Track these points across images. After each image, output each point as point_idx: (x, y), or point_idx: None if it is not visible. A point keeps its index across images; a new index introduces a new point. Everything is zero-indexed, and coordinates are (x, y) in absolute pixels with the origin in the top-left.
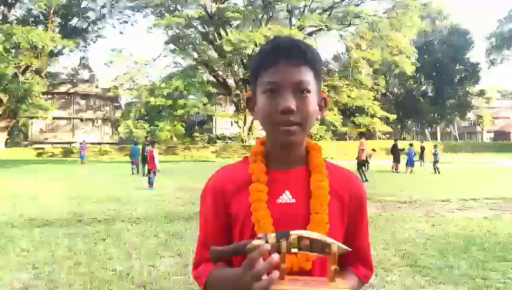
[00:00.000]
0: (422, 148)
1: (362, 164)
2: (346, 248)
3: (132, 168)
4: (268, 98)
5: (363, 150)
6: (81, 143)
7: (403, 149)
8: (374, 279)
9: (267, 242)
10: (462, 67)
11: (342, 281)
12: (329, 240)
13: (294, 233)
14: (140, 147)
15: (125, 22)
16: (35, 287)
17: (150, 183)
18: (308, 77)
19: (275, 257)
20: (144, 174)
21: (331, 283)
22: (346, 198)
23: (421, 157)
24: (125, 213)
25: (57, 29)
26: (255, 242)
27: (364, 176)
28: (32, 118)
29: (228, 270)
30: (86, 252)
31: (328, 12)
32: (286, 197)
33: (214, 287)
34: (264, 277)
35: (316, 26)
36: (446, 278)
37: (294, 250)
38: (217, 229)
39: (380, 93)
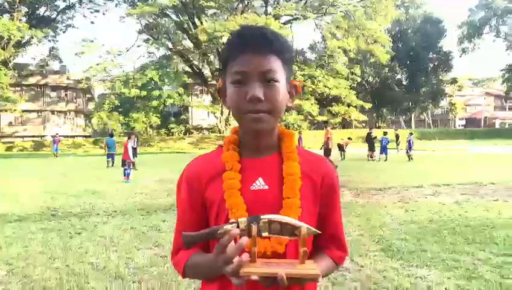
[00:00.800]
0: (397, 136)
1: (329, 153)
2: (316, 230)
3: (108, 160)
4: (236, 88)
5: (329, 138)
6: (53, 136)
7: (376, 137)
8: (349, 263)
9: (238, 227)
10: (435, 55)
11: (312, 262)
12: (299, 223)
13: (265, 217)
14: (115, 139)
15: (97, 11)
16: (9, 283)
17: (126, 175)
18: (275, 65)
19: (244, 240)
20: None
21: (301, 265)
22: (318, 181)
23: (397, 144)
24: (101, 206)
25: (24, 19)
26: (226, 227)
27: (332, 164)
28: (0, 111)
29: (204, 255)
30: (60, 246)
31: (303, 1)
32: (259, 184)
33: (191, 273)
34: (236, 259)
35: (291, 16)
36: (419, 261)
37: (265, 234)
38: (193, 217)
39: (356, 82)
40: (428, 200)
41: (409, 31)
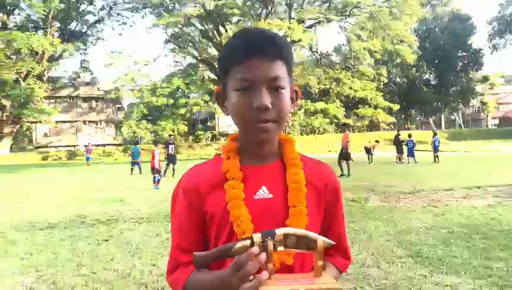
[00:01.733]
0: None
1: (349, 157)
2: (331, 241)
3: (131, 168)
4: (241, 95)
5: (348, 142)
6: (86, 146)
7: (403, 141)
8: (376, 270)
9: (252, 242)
10: (464, 53)
11: (328, 275)
12: (315, 235)
13: (280, 231)
14: (139, 147)
15: (124, 23)
16: None
17: (155, 181)
18: (282, 72)
19: (263, 256)
20: (164, 173)
21: (319, 279)
22: (322, 188)
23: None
24: (128, 213)
25: (57, 34)
26: (241, 243)
27: (348, 170)
28: (35, 122)
29: (209, 274)
30: (88, 253)
31: (327, 4)
32: (263, 193)
33: None
34: (255, 278)
35: (315, 19)
36: (448, 267)
37: (280, 248)
38: (191, 231)
39: (382, 83)
40: (459, 203)
41: (437, 29)
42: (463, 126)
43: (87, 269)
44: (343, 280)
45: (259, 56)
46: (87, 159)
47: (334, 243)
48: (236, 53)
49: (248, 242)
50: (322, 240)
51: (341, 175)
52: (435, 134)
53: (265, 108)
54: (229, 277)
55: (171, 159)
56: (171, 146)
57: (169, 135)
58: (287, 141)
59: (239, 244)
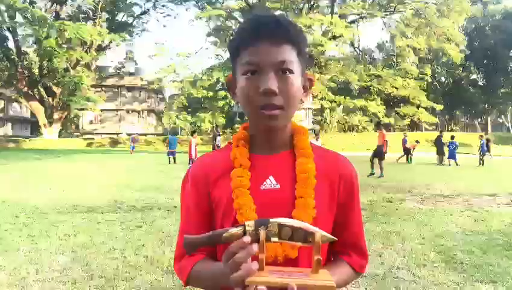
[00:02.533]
0: (488, 140)
1: (384, 156)
2: (331, 237)
3: (169, 158)
4: (248, 79)
5: (386, 141)
6: (131, 135)
7: (444, 143)
8: (406, 273)
9: (245, 230)
10: None
11: (326, 272)
12: (312, 228)
13: (274, 221)
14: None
15: (168, 15)
16: (71, 269)
17: None
18: (291, 56)
19: (254, 246)
20: None
21: (314, 275)
22: (336, 180)
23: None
24: (163, 202)
25: (105, 25)
26: (232, 231)
27: (381, 170)
28: (82, 110)
29: (211, 263)
30: (121, 238)
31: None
32: (270, 183)
33: (196, 281)
34: (244, 266)
35: (358, 14)
36: (484, 275)
37: (274, 239)
38: (199, 219)
39: (426, 82)
40: (502, 209)
41: (487, 28)
42: (511, 130)
43: (118, 253)
44: (369, 280)
45: (266, 40)
46: (132, 148)
47: (335, 238)
48: (244, 37)
49: (239, 230)
50: (319, 233)
51: (370, 174)
52: (481, 136)
53: (272, 92)
54: (224, 266)
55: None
56: (218, 138)
57: (216, 127)
58: (299, 131)
59: (229, 232)
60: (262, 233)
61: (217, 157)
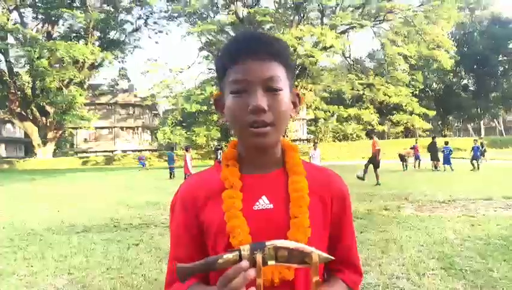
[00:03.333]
0: (482, 145)
1: (378, 165)
2: (328, 256)
3: (170, 173)
4: (236, 98)
5: (378, 150)
6: (139, 155)
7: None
8: (406, 282)
9: (240, 255)
10: (505, 58)
11: None
12: (309, 248)
13: (270, 244)
14: (173, 153)
15: (160, 31)
16: None
17: None
18: (278, 72)
19: (251, 272)
20: None
21: None
22: (328, 199)
23: (482, 154)
24: (160, 219)
25: (97, 43)
26: (227, 256)
27: (377, 178)
28: (76, 128)
29: (203, 288)
30: (118, 257)
31: (360, 10)
32: (263, 203)
33: None
34: None
35: (348, 24)
36: (484, 281)
37: (271, 262)
38: (189, 243)
39: (418, 89)
40: (498, 214)
41: (475, 33)
42: (504, 133)
43: (116, 273)
44: None
45: (254, 57)
46: (143, 164)
47: (332, 258)
48: (231, 55)
49: (235, 255)
50: (317, 254)
51: (359, 178)
52: (475, 140)
53: (261, 109)
54: None
55: None
56: (220, 151)
57: (218, 141)
58: (290, 148)
59: (224, 258)
60: (258, 257)
61: (205, 179)
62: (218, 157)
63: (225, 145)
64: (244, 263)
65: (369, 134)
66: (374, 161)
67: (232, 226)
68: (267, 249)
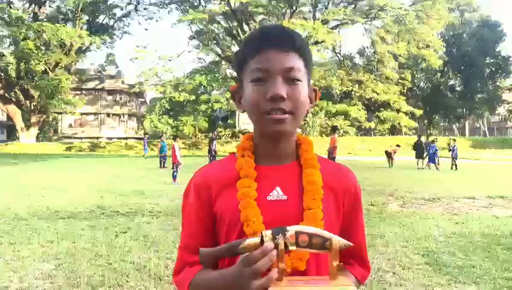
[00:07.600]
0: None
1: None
2: (348, 242)
3: (161, 161)
4: (256, 86)
5: (335, 147)
6: (144, 137)
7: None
8: (391, 276)
9: (262, 240)
10: (492, 60)
11: (345, 278)
12: (329, 234)
13: (292, 228)
14: (165, 142)
15: (150, 18)
16: (55, 277)
17: (174, 177)
18: (298, 64)
19: (275, 252)
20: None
21: (334, 281)
22: (340, 193)
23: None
24: (147, 207)
25: (85, 27)
26: (250, 241)
27: None
28: (61, 113)
29: (214, 272)
30: (106, 244)
31: (352, 6)
32: (277, 194)
33: None
34: (266, 276)
35: (340, 20)
36: (467, 277)
37: (292, 248)
38: (201, 231)
39: (406, 87)
40: (481, 212)
41: (464, 35)
42: (488, 134)
43: (104, 260)
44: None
45: (275, 48)
46: (145, 151)
47: (351, 244)
48: (253, 46)
49: (258, 240)
50: (338, 240)
51: None
52: (454, 140)
53: (281, 97)
54: (237, 273)
55: (214, 155)
56: (214, 142)
57: (213, 131)
58: (304, 142)
59: (247, 242)
60: (281, 241)
61: (220, 168)
62: (213, 147)
63: (217, 135)
64: (270, 244)
65: (335, 129)
66: (329, 157)
67: (246, 215)
68: (289, 233)
